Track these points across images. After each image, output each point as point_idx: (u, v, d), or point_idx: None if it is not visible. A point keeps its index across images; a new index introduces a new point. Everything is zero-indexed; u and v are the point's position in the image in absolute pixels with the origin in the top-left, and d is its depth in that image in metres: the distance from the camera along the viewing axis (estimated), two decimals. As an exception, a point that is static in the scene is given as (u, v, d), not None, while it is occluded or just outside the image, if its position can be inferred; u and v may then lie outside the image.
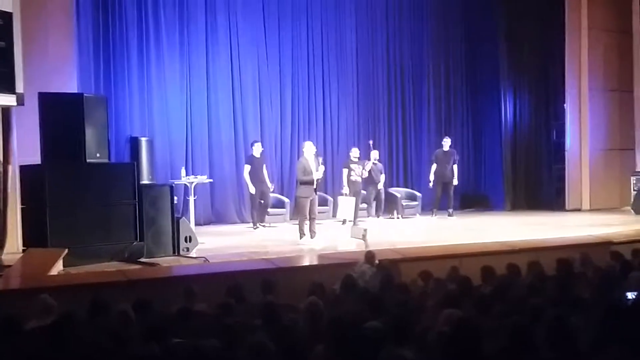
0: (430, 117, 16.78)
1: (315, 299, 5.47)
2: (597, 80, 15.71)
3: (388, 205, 14.89)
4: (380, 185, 14.48)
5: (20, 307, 5.94)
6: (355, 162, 13.43)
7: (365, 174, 13.54)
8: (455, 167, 14.89)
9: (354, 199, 13.15)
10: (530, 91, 16.97)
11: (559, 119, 16.34)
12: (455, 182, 14.86)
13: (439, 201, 14.90)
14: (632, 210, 14.71)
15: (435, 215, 14.69)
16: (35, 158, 9.28)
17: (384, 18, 16.20)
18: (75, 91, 10.65)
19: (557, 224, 12.91)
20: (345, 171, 13.49)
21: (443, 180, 14.77)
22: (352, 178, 13.39)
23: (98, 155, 9.49)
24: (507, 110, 16.85)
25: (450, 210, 14.81)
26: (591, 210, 15.42)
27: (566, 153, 15.89)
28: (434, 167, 14.92)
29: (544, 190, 16.78)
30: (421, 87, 16.70)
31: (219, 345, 4.20)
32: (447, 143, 15.00)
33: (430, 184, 14.95)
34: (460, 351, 3.49)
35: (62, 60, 10.69)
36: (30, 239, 9.13)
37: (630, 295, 5.59)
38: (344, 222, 13.02)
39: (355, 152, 13.61)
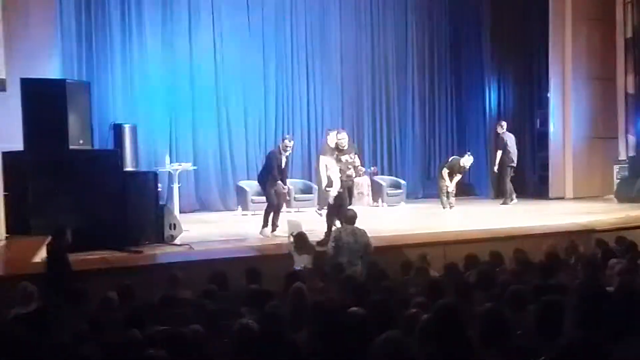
0: (414, 105, 16.76)
1: (299, 284, 5.48)
2: (580, 69, 15.74)
3: (373, 194, 14.89)
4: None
5: (3, 294, 5.92)
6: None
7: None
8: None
9: None
10: (515, 80, 17.00)
11: (543, 107, 16.38)
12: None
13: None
14: (615, 199, 14.80)
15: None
16: (17, 145, 9.19)
17: (369, 6, 16.14)
18: (58, 76, 10.57)
19: (540, 212, 12.97)
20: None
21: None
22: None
23: (81, 141, 9.44)
24: (491, 98, 16.87)
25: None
26: (574, 198, 15.46)
27: (550, 141, 15.92)
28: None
29: (527, 178, 16.82)
30: (405, 76, 16.66)
31: (202, 330, 4.19)
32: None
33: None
34: (444, 336, 3.50)
35: (45, 45, 10.61)
36: (13, 226, 9.06)
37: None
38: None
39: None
